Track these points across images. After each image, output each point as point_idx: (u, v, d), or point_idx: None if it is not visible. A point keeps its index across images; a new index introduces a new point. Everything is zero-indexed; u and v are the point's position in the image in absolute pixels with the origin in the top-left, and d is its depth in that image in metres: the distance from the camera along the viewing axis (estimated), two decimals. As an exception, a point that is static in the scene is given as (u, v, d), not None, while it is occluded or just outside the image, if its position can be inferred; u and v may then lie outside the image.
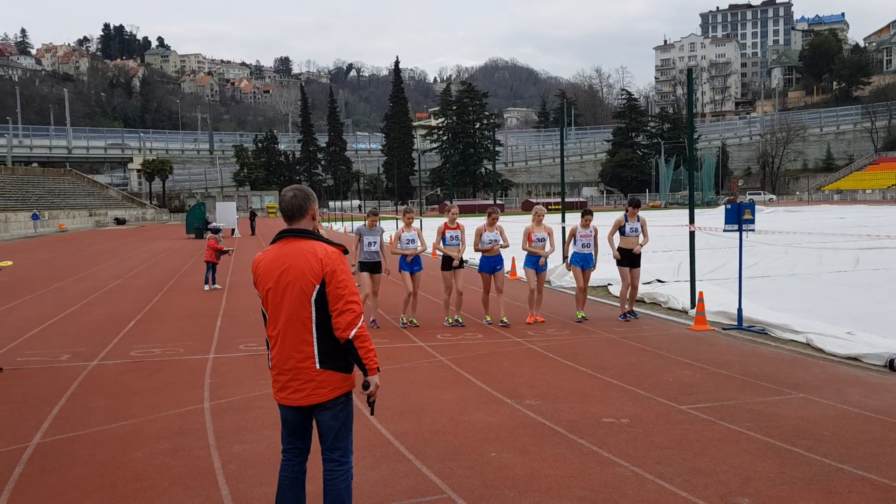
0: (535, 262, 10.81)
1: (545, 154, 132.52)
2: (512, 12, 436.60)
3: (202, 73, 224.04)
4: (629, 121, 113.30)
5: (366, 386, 3.68)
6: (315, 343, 3.59)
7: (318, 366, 3.59)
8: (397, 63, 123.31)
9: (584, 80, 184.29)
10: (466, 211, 71.16)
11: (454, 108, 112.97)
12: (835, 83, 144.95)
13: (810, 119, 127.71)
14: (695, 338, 9.69)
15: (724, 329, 10.17)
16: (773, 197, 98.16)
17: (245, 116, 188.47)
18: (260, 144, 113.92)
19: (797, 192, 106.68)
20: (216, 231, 16.77)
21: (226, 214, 44.45)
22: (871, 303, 12.04)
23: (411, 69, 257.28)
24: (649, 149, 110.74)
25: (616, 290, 13.56)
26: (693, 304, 10.84)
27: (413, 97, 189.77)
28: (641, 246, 10.92)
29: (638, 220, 10.94)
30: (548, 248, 10.94)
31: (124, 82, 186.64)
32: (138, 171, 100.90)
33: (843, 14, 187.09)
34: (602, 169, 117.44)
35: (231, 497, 4.72)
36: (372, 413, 3.86)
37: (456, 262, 10.71)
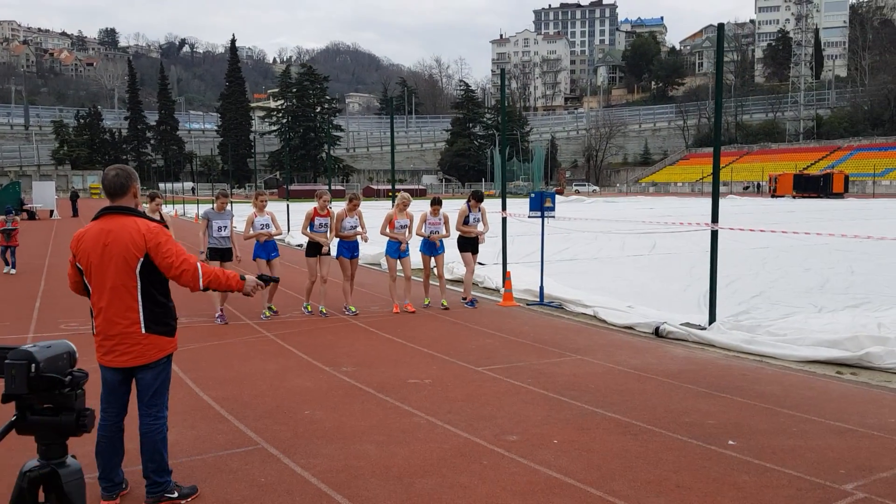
0: (397, 248, 10.89)
1: (386, 141, 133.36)
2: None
3: (17, 42, 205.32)
4: (467, 111, 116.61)
5: (249, 294, 4.25)
6: (140, 310, 4.05)
7: (143, 330, 4.06)
8: (234, 41, 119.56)
9: (425, 69, 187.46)
10: (307, 195, 70.65)
11: (294, 90, 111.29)
12: (653, 83, 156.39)
13: (630, 116, 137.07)
14: (501, 312, 10.77)
15: (527, 305, 11.34)
16: (597, 188, 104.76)
17: (66, 90, 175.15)
18: (82, 121, 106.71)
19: (618, 184, 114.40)
20: (8, 213, 16.03)
21: (43, 195, 41.73)
22: (656, 281, 13.73)
23: (249, 48, 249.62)
24: (485, 139, 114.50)
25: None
26: (504, 284, 11.92)
27: (251, 77, 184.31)
28: (484, 234, 11.59)
29: (479, 211, 11.60)
30: (407, 234, 11.04)
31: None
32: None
33: (662, 18, 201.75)
34: (441, 157, 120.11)
35: (54, 456, 5.04)
36: (276, 281, 4.67)
37: (325, 250, 10.55)
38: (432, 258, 11.29)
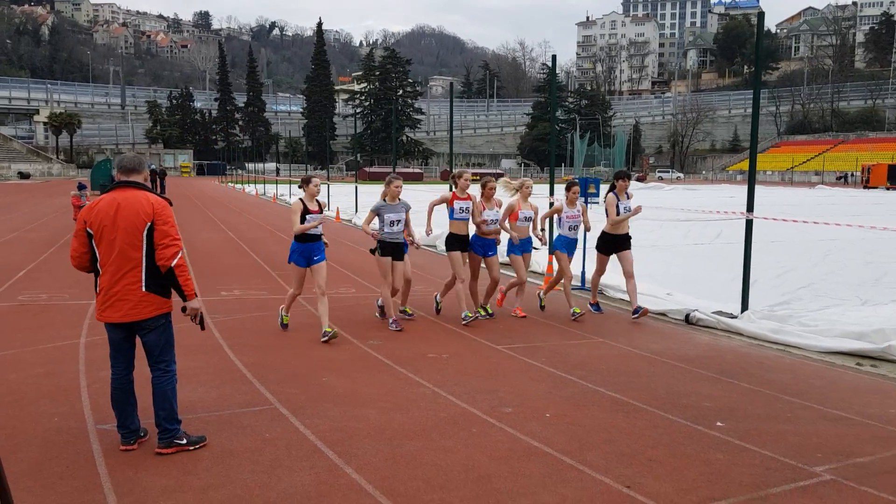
0: (527, 244, 9.49)
1: (467, 124, 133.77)
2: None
3: (116, 24, 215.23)
4: (549, 95, 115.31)
5: (184, 310, 4.67)
6: (144, 270, 4.55)
7: (143, 288, 4.55)
8: (320, 24, 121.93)
9: (509, 51, 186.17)
10: (383, 177, 71.80)
11: (377, 73, 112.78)
12: (746, 67, 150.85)
13: (720, 101, 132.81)
14: (538, 296, 10.97)
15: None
16: (681, 175, 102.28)
17: (161, 71, 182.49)
18: (175, 101, 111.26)
19: (703, 172, 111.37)
20: (81, 188, 16.83)
21: (134, 172, 43.83)
22: (708, 270, 13.64)
23: (337, 31, 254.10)
24: (566, 124, 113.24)
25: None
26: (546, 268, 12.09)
27: (338, 60, 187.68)
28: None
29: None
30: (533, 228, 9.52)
31: (32, 30, 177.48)
32: (45, 123, 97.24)
33: (758, 0, 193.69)
34: (521, 142, 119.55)
35: (90, 406, 5.63)
36: (202, 328, 4.83)
37: (427, 233, 9.29)
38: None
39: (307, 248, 7.91)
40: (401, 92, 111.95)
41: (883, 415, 5.68)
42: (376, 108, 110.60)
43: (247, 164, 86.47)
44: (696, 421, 5.47)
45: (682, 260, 15.12)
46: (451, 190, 9.21)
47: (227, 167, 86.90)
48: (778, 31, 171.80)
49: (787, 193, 51.54)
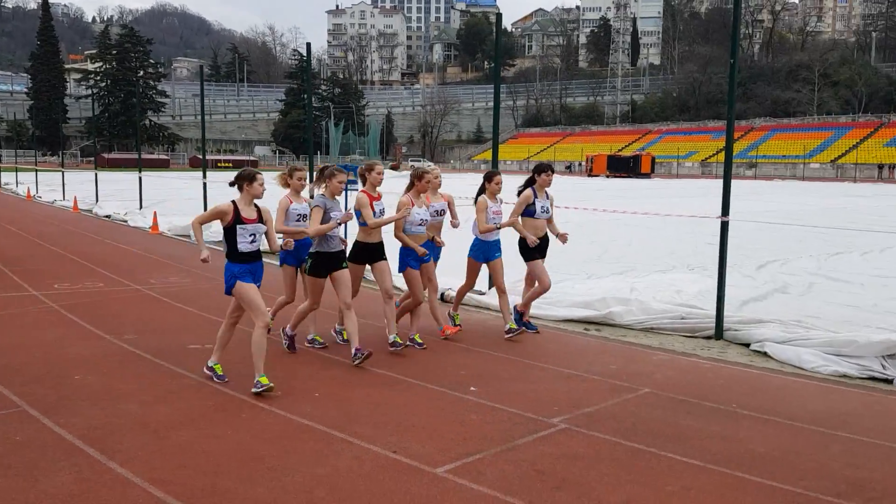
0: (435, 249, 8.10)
1: (217, 109, 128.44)
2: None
3: None
4: (301, 82, 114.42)
5: None
6: None
7: None
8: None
9: (258, 35, 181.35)
10: (129, 164, 67.17)
11: (114, 52, 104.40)
12: (486, 62, 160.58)
13: (464, 94, 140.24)
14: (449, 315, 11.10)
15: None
16: (432, 164, 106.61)
17: None
18: None
19: (452, 161, 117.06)
20: None
21: None
22: (460, 252, 14.54)
23: (65, 5, 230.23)
24: (321, 111, 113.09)
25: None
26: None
27: (68, 36, 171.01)
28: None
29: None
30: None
31: None
32: None
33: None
34: (275, 128, 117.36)
35: None
36: None
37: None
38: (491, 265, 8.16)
39: (252, 268, 6.08)
40: (142, 73, 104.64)
41: (605, 370, 6.59)
42: (114, 89, 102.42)
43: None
44: (453, 388, 5.98)
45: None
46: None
47: (-68, 153, 75.85)
48: (513, 30, 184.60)
49: (518, 181, 55.89)
